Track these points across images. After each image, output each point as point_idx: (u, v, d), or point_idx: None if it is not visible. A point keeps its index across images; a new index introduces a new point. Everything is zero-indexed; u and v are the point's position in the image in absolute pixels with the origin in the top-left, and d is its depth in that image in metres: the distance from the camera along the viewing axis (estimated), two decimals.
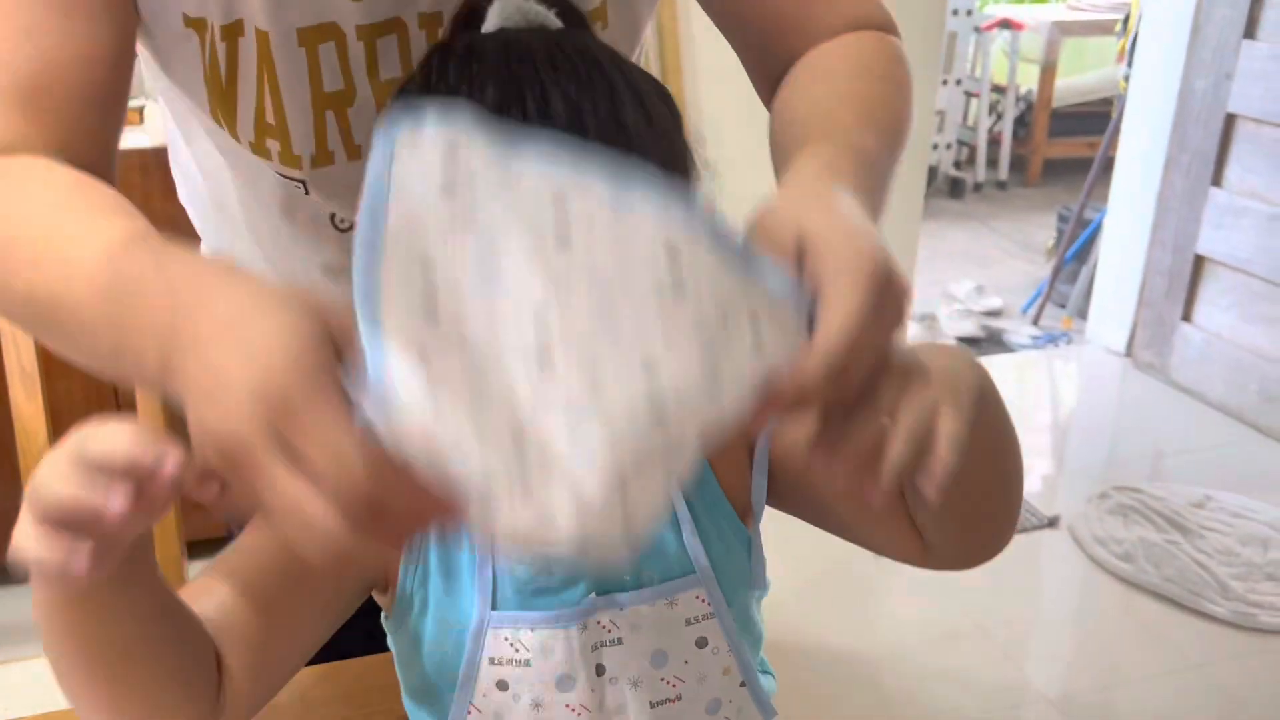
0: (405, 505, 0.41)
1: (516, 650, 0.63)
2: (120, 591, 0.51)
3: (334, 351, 0.43)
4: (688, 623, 0.67)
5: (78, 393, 2.02)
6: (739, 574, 0.70)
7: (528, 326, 0.42)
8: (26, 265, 0.58)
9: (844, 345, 0.45)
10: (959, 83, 5.35)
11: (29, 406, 1.29)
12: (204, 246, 0.95)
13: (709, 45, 2.56)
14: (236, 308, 0.45)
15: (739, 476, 0.71)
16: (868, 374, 0.47)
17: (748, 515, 0.72)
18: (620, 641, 0.66)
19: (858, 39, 0.79)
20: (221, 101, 0.70)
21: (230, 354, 0.44)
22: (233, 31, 0.66)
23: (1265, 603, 2.17)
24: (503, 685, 0.64)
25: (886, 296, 0.47)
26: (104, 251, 0.55)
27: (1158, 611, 2.18)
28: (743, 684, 0.72)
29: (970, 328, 3.65)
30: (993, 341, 3.62)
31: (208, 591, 0.61)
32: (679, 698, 0.68)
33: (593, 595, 0.65)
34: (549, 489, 0.41)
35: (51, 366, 1.96)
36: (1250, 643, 2.09)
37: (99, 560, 0.44)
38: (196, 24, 0.67)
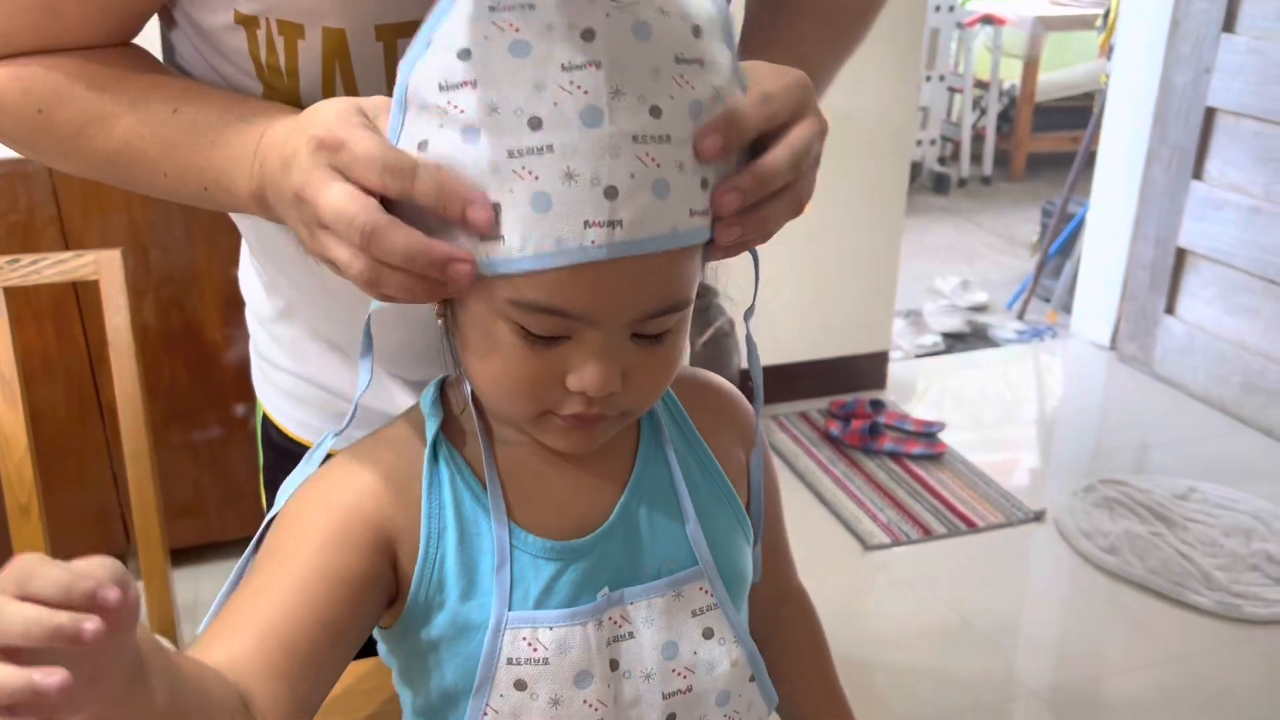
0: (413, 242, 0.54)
1: (535, 649, 0.64)
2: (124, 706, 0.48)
3: (367, 118, 0.57)
4: (694, 614, 0.69)
5: (59, 399, 2.01)
6: (742, 567, 0.72)
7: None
8: (108, 124, 0.68)
9: (769, 109, 0.60)
10: (942, 78, 5.36)
11: (9, 414, 1.28)
12: (246, 239, 0.92)
13: None
14: (297, 114, 0.61)
15: (742, 475, 0.74)
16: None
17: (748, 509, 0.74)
18: (632, 636, 0.67)
19: None
20: (281, 94, 0.71)
21: (295, 131, 0.59)
22: (293, 29, 0.67)
23: (1249, 593, 2.18)
24: (520, 685, 0.64)
25: (803, 92, 0.63)
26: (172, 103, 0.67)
27: (1143, 603, 2.20)
28: (751, 679, 0.72)
29: (956, 323, 3.66)
30: (978, 336, 3.63)
31: (234, 639, 0.60)
32: (689, 689, 0.69)
33: (606, 590, 0.66)
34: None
35: (31, 374, 1.96)
36: (1235, 633, 2.11)
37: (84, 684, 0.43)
38: (248, 20, 0.67)
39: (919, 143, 5.30)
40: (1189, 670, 2.02)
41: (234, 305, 2.05)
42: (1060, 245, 3.78)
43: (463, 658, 0.65)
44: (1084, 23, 5.27)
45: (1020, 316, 3.77)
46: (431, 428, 0.66)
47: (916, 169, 5.32)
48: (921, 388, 3.20)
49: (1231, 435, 2.91)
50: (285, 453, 0.95)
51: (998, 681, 2.00)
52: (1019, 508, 2.50)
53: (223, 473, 2.18)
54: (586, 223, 0.53)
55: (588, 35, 0.53)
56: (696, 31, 0.56)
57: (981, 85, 5.47)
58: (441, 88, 0.54)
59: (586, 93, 0.53)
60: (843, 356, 3.06)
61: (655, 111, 0.54)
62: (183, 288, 2.02)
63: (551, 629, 0.64)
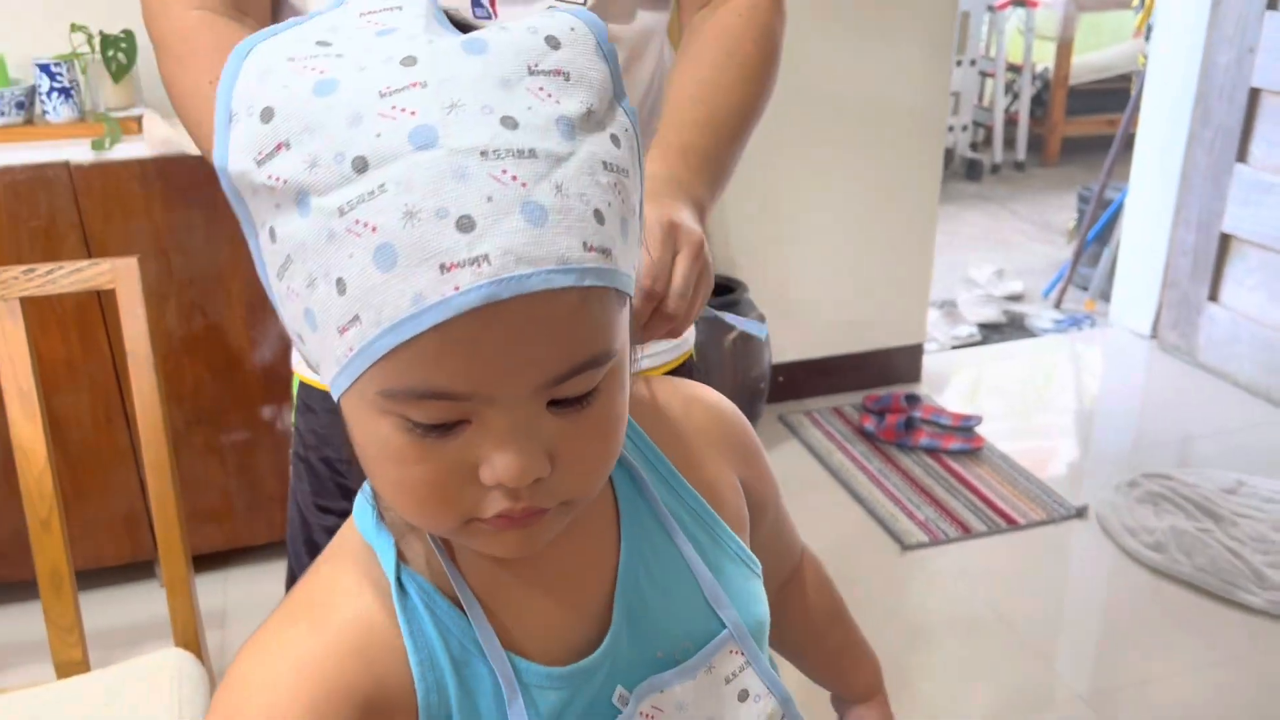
0: None
1: None
2: None
3: None
4: (727, 680, 0.64)
5: (84, 406, 2.00)
6: (761, 614, 0.66)
7: None
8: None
9: (645, 283, 0.67)
10: (973, 63, 5.27)
11: (28, 427, 1.26)
12: None
13: None
14: None
15: (738, 499, 0.68)
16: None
17: (745, 537, 0.68)
18: None
19: (734, 19, 0.93)
20: None
21: None
22: None
23: None
24: None
25: (675, 241, 0.70)
26: None
27: (1191, 602, 2.13)
28: (784, 717, 0.68)
29: (992, 313, 3.59)
30: (1015, 326, 3.56)
31: None
32: None
33: (622, 690, 0.60)
34: None
35: (57, 382, 1.94)
36: None
37: None
38: None
39: (950, 129, 5.21)
40: (1239, 673, 1.95)
41: (257, 308, 2.03)
42: (1098, 232, 3.69)
43: None
44: (1119, 3, 5.16)
45: (1057, 305, 3.69)
46: (388, 557, 0.56)
47: (948, 155, 5.23)
48: (957, 380, 3.14)
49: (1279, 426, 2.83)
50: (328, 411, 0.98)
51: (1040, 684, 1.94)
52: (1060, 504, 2.43)
53: (249, 477, 2.16)
54: (443, 266, 0.43)
55: (408, 61, 0.45)
56: (552, 43, 0.48)
57: (1014, 69, 5.37)
58: (258, 162, 0.45)
59: (414, 113, 0.43)
60: (876, 349, 3.00)
61: (509, 122, 0.44)
62: (206, 291, 1.99)
63: None
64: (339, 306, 0.45)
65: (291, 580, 1.14)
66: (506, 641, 0.57)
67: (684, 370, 1.06)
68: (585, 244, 0.46)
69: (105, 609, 2.06)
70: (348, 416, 0.50)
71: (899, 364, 3.04)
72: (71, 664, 1.31)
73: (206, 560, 2.19)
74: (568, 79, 0.48)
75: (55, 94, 1.97)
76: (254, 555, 2.24)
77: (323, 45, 0.47)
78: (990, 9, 5.24)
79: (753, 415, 2.64)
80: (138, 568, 2.19)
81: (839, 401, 2.94)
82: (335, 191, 0.44)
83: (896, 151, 2.81)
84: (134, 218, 1.91)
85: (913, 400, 2.83)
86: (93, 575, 2.10)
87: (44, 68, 1.95)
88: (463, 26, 0.50)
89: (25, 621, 2.07)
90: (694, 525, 0.64)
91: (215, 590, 2.15)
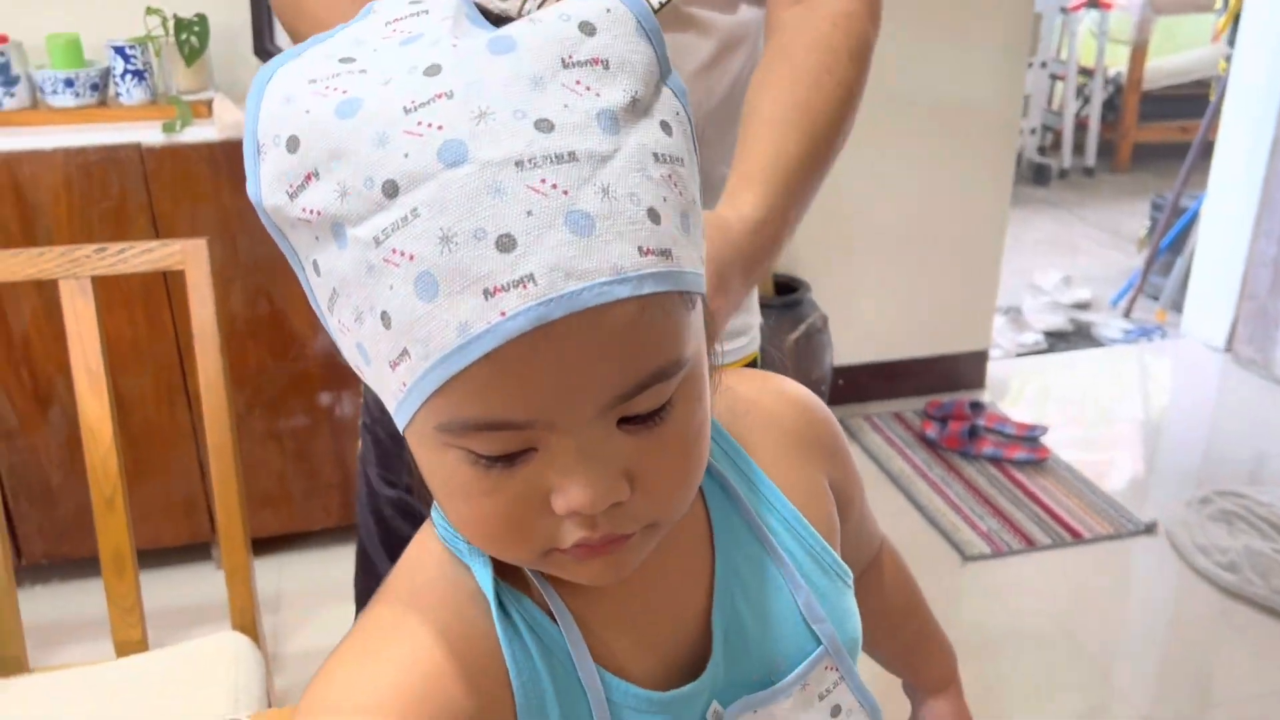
0: None
1: None
2: None
3: None
4: (820, 697, 0.61)
5: (148, 387, 2.01)
6: (854, 629, 0.63)
7: None
8: None
9: None
10: (1044, 65, 5.17)
11: (95, 406, 1.26)
12: None
13: None
14: None
15: (827, 507, 0.64)
16: None
17: (836, 543, 0.65)
18: None
19: (830, 29, 0.87)
20: None
21: None
22: None
23: None
24: None
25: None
26: None
27: (1264, 626, 2.05)
28: None
29: (1058, 320, 3.51)
30: (1081, 335, 3.47)
31: None
32: None
33: (717, 706, 0.57)
34: None
35: (122, 362, 1.96)
36: None
37: None
38: None
39: (1019, 132, 5.11)
40: None
41: None
42: (1171, 240, 3.59)
43: None
44: (1197, 6, 5.03)
45: (1126, 315, 3.60)
46: (484, 575, 0.52)
47: (1016, 159, 5.14)
48: (1022, 388, 3.07)
49: None
50: None
51: (1103, 704, 1.88)
52: (1128, 518, 2.36)
53: (308, 462, 2.17)
54: (487, 292, 0.40)
55: (433, 70, 0.42)
56: (587, 29, 0.44)
57: (1085, 72, 5.26)
58: (290, 195, 0.43)
59: (441, 128, 0.40)
60: (940, 355, 2.94)
61: (544, 125, 0.41)
62: (271, 276, 2.00)
63: None
64: (387, 341, 0.42)
65: (362, 550, 1.13)
66: (604, 662, 0.54)
67: None
68: (641, 248, 0.42)
69: (161, 589, 2.08)
70: (414, 450, 0.47)
71: (963, 370, 2.97)
72: (131, 643, 1.31)
73: (263, 544, 2.20)
74: (607, 67, 0.44)
75: (129, 76, 1.98)
76: (310, 541, 2.25)
77: (346, 62, 0.44)
78: (1063, 10, 5.13)
79: None
80: (195, 549, 2.20)
81: (900, 407, 2.88)
82: (369, 220, 0.41)
83: (967, 153, 2.76)
84: (202, 200, 1.92)
85: (977, 408, 2.77)
86: (150, 555, 2.12)
87: (118, 50, 1.97)
88: (497, 19, 0.47)
89: (85, 599, 2.10)
90: (788, 537, 0.60)
91: (270, 574, 2.16)
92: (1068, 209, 4.84)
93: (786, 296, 2.50)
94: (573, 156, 0.41)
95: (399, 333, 0.42)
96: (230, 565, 1.33)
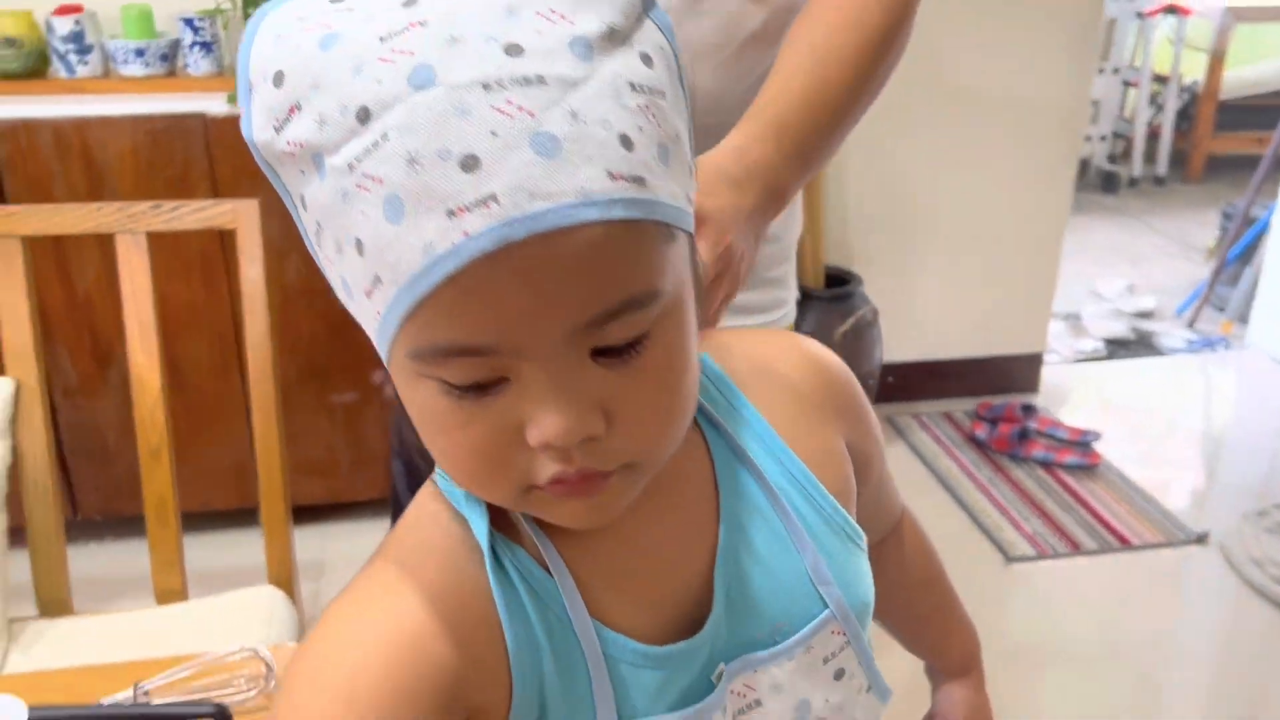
0: None
1: None
2: None
3: None
4: (825, 661, 0.59)
5: (203, 352, 2.06)
6: (864, 593, 0.62)
7: None
8: None
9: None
10: (1116, 71, 5.07)
11: (145, 358, 1.30)
12: None
13: None
14: None
15: (842, 468, 0.63)
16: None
17: (851, 506, 0.63)
18: (759, 704, 0.58)
19: None
20: None
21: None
22: None
23: None
24: None
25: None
26: None
27: None
28: (869, 689, 0.64)
29: (1119, 328, 3.44)
30: (1143, 344, 3.40)
31: None
32: None
33: (723, 667, 0.56)
34: None
35: (179, 327, 2.01)
36: None
37: None
38: None
39: (1088, 139, 5.02)
40: None
41: None
42: (1240, 251, 3.50)
43: None
44: None
45: (1191, 325, 3.52)
46: (480, 525, 0.52)
47: (1084, 166, 5.04)
48: (1077, 394, 3.01)
49: None
50: None
51: (1145, 714, 1.84)
52: (1180, 528, 2.31)
53: (355, 434, 2.20)
54: (450, 212, 0.40)
55: (410, 2, 0.42)
56: None
57: (1160, 79, 5.14)
58: (277, 129, 0.43)
59: (413, 54, 0.41)
60: (994, 356, 2.90)
61: (513, 50, 0.41)
62: None
63: None
64: (362, 269, 0.43)
65: (395, 499, 1.15)
66: (600, 616, 0.54)
67: None
68: (610, 173, 0.41)
69: (208, 552, 2.12)
70: (397, 386, 0.47)
71: (1016, 373, 2.93)
72: (171, 592, 1.35)
73: (308, 512, 2.23)
74: None
75: (197, 48, 2.03)
76: (355, 511, 2.29)
77: (336, 1, 0.44)
78: (1139, 16, 5.02)
79: None
80: (244, 515, 2.25)
81: (950, 407, 2.85)
82: (344, 148, 0.41)
83: (1029, 153, 2.71)
84: (262, 171, 1.96)
85: (1029, 411, 2.72)
86: (200, 518, 2.17)
87: (188, 22, 2.02)
88: None
89: (136, 557, 2.15)
90: (798, 496, 0.59)
91: (314, 542, 2.19)
92: (1136, 217, 4.74)
93: (837, 288, 2.48)
94: (541, 80, 0.41)
95: (371, 259, 0.42)
96: (269, 521, 1.36)
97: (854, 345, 2.45)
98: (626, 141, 0.42)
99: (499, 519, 0.53)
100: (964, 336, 2.86)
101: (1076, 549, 2.24)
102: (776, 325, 0.99)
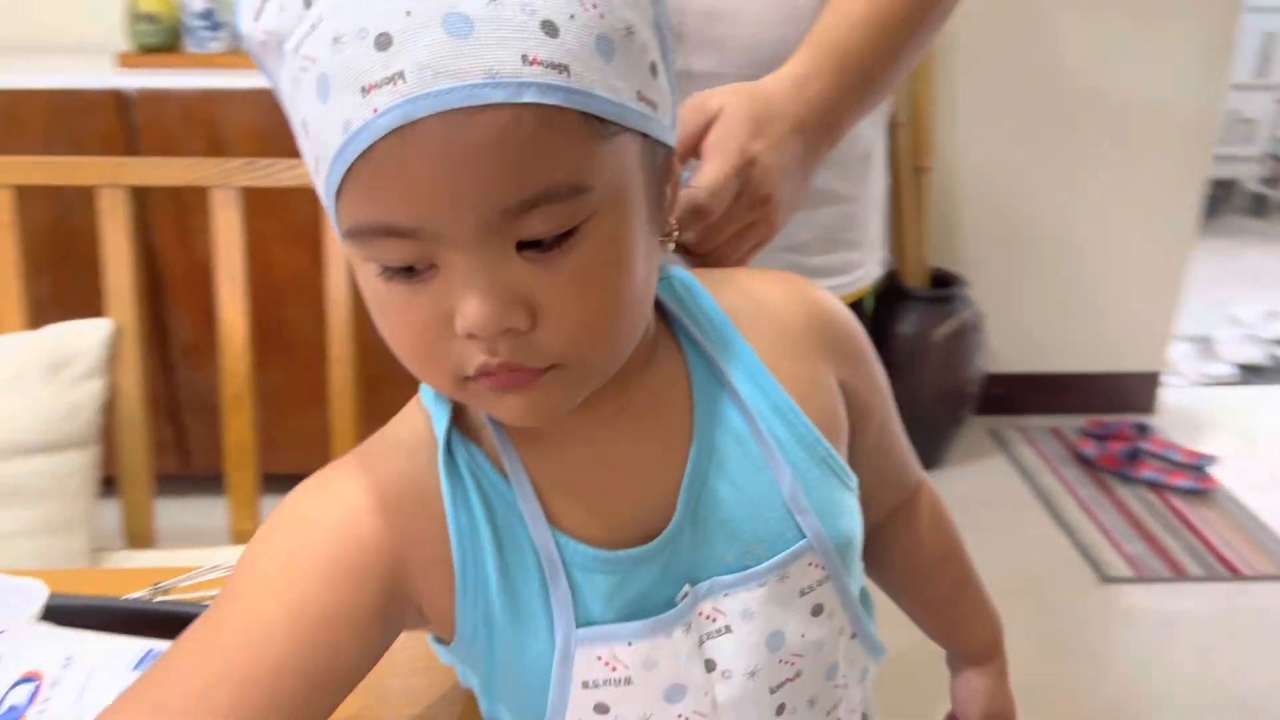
0: None
1: (614, 669, 0.54)
2: None
3: None
4: (801, 594, 0.58)
5: (309, 321, 2.14)
6: (848, 530, 0.61)
7: None
8: None
9: (702, 197, 0.65)
10: (1271, 89, 4.79)
11: (232, 307, 1.36)
12: None
13: None
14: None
15: (828, 401, 0.62)
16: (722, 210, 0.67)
17: (840, 444, 0.62)
18: (729, 630, 0.57)
19: None
20: None
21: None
22: None
23: None
24: (601, 708, 0.55)
25: (740, 175, 0.67)
26: None
27: None
28: (854, 635, 0.63)
29: (1255, 354, 3.25)
30: (1279, 372, 3.21)
31: (166, 694, 0.51)
32: (798, 674, 0.60)
33: (688, 588, 0.56)
34: None
35: (283, 293, 2.10)
36: None
37: None
38: None
39: (1238, 159, 4.76)
40: None
41: None
42: None
43: (528, 684, 0.55)
44: None
45: None
46: (441, 422, 0.54)
47: (1231, 187, 4.79)
48: (1200, 418, 2.86)
49: None
50: None
51: None
52: None
53: None
54: (364, 89, 0.41)
55: None
56: None
57: None
58: (255, 19, 0.46)
59: None
60: (1108, 373, 2.78)
61: None
62: None
63: (631, 644, 0.54)
64: (309, 151, 0.45)
65: None
66: (556, 522, 0.54)
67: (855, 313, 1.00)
68: (526, 57, 0.42)
69: None
70: (354, 274, 0.50)
71: (1132, 391, 2.80)
72: (246, 534, 1.41)
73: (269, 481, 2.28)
74: None
75: None
76: None
77: None
78: None
79: (956, 421, 2.51)
80: None
81: (1059, 422, 2.74)
82: (295, 32, 0.44)
83: (1155, 163, 2.59)
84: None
85: (1143, 430, 2.60)
86: (290, 480, 2.25)
87: None
88: None
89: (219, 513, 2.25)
90: (777, 421, 0.58)
91: None
92: None
93: (940, 290, 2.42)
94: None
95: (312, 139, 0.44)
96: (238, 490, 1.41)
97: (954, 348, 2.39)
98: (550, 27, 0.42)
99: (467, 421, 0.55)
100: (1076, 350, 2.75)
101: (1180, 574, 2.12)
102: (848, 290, 0.97)
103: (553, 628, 0.54)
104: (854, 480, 0.62)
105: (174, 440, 2.28)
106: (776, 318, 0.62)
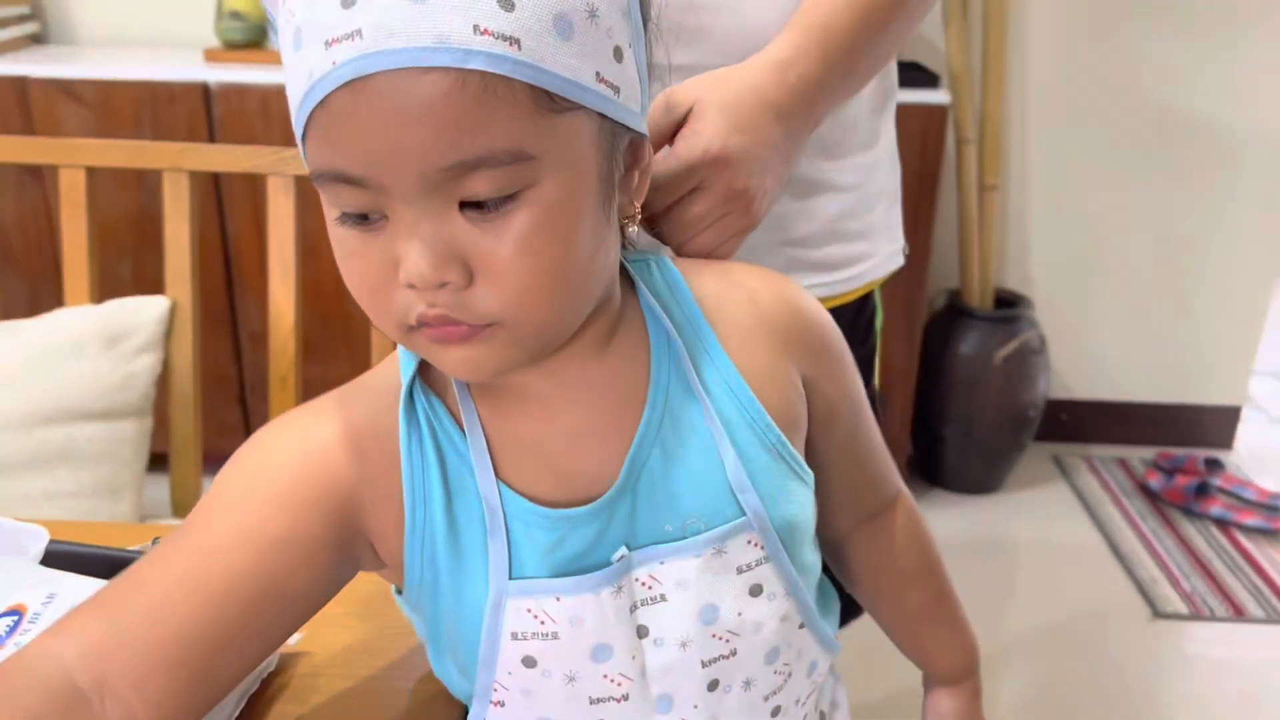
0: None
1: (542, 623, 0.57)
2: None
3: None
4: (739, 570, 0.60)
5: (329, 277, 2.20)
6: (794, 515, 0.61)
7: None
8: None
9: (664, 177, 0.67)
10: None
11: (282, 290, 1.41)
12: None
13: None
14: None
15: (787, 393, 0.63)
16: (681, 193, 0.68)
17: (797, 437, 0.63)
18: (664, 598, 0.59)
19: None
20: None
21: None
22: None
23: None
24: (529, 661, 0.57)
25: (702, 170, 0.67)
26: None
27: None
28: (801, 625, 0.64)
29: None
30: None
31: (119, 610, 0.53)
32: (733, 653, 0.61)
33: (624, 550, 0.58)
34: None
35: (307, 260, 2.16)
36: None
37: None
38: None
39: None
40: None
41: None
42: None
43: (464, 633, 0.58)
44: None
45: None
46: (407, 372, 0.57)
47: None
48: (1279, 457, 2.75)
49: None
50: None
51: None
52: None
53: None
54: (328, 42, 0.45)
55: None
56: None
57: None
58: None
59: None
60: (1181, 404, 2.69)
61: None
62: None
63: (560, 600, 0.56)
64: (290, 98, 0.49)
65: None
66: (506, 478, 0.57)
67: (862, 306, 1.00)
68: (477, 27, 0.45)
69: None
70: None
71: (1207, 425, 2.71)
72: None
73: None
74: None
75: None
76: None
77: None
78: None
79: (1017, 445, 2.45)
80: None
81: (1127, 453, 2.67)
82: None
83: (1244, 192, 2.51)
84: None
85: (1214, 465, 2.52)
86: None
87: None
88: None
89: None
90: (728, 403, 0.60)
91: None
92: None
93: (1004, 310, 2.38)
94: None
95: (289, 86, 0.48)
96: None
97: (1015, 370, 2.34)
98: (506, 2, 0.45)
99: (434, 374, 0.59)
100: (1150, 379, 2.67)
101: (1239, 614, 2.05)
102: (856, 283, 0.97)
103: (489, 578, 0.56)
104: (810, 475, 0.63)
105: (241, 422, 2.36)
106: (750, 308, 0.63)
